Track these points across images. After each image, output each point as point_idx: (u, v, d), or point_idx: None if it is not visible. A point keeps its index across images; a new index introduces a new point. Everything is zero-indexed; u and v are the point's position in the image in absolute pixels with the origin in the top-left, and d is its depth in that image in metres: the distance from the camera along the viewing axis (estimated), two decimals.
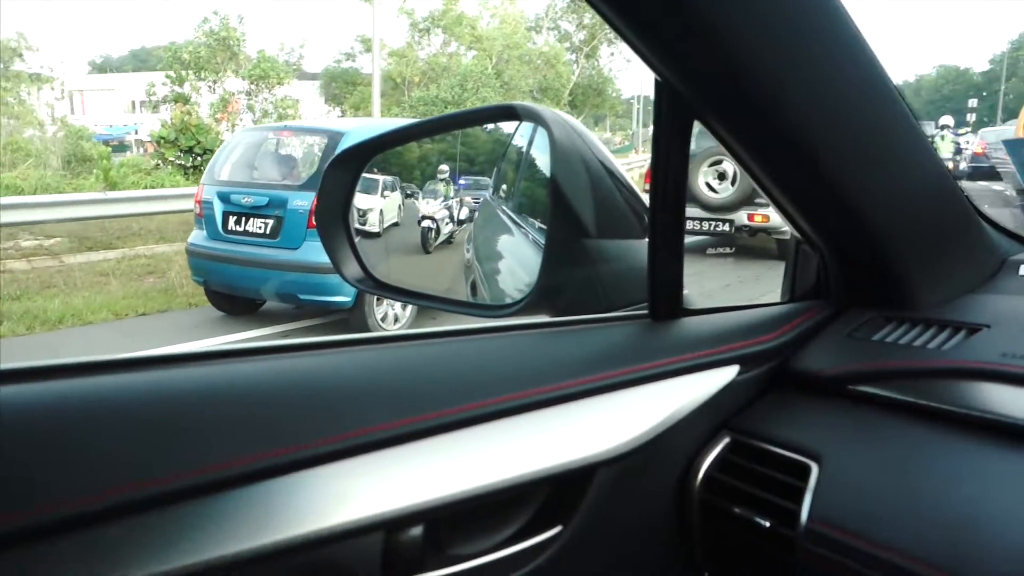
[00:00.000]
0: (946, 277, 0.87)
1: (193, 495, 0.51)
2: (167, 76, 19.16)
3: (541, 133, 1.06)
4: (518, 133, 1.21)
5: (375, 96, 18.15)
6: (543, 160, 1.08)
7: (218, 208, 5.89)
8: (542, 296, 0.93)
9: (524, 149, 1.17)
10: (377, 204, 1.27)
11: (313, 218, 5.28)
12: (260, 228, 5.69)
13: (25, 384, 0.52)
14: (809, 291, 0.95)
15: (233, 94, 19.75)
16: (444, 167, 1.34)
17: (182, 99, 18.66)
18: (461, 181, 1.28)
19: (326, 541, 0.56)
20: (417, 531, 0.62)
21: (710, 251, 8.00)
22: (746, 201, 7.42)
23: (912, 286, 0.85)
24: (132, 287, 7.64)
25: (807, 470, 0.71)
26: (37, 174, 13.87)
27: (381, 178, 1.24)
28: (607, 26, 0.68)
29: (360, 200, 1.11)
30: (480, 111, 1.30)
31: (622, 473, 0.72)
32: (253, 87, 19.87)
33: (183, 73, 18.92)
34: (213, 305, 6.43)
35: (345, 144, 5.49)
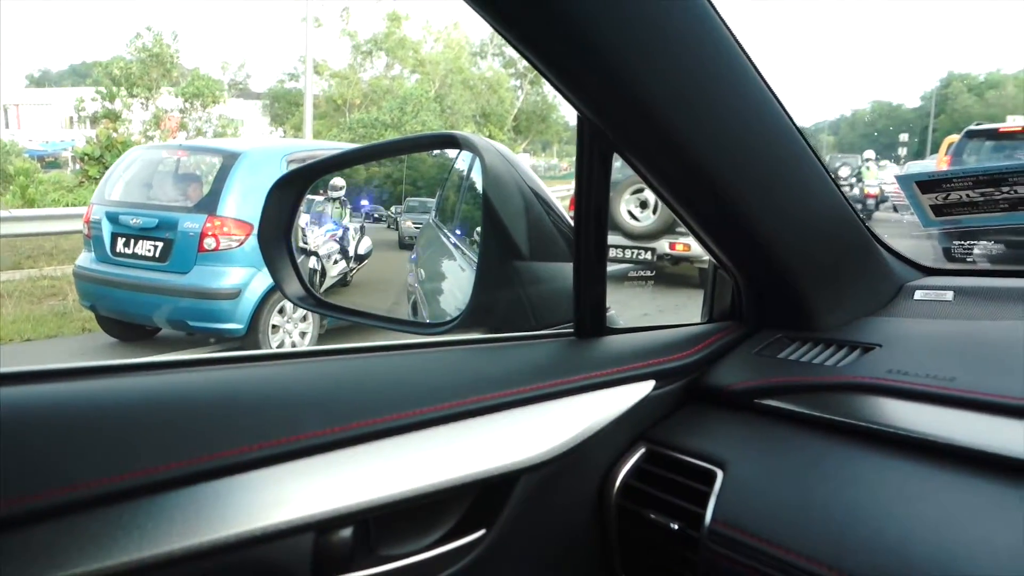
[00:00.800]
0: (845, 301, 0.95)
1: (129, 496, 0.55)
2: (97, 91, 18.70)
3: (478, 161, 1.13)
4: (459, 159, 1.28)
5: (307, 117, 18.12)
6: (477, 181, 1.16)
7: (107, 229, 5.69)
8: (474, 315, 0.98)
9: (464, 174, 1.24)
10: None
11: (204, 241, 5.21)
12: (149, 251, 5.53)
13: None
14: (725, 313, 1.02)
15: (166, 111, 19.38)
16: (339, 181, 1.34)
17: (112, 115, 18.23)
18: (406, 203, 1.34)
19: (258, 541, 0.59)
20: (347, 532, 0.66)
21: (631, 274, 8.17)
22: (667, 230, 7.51)
23: (814, 309, 0.93)
24: (27, 310, 7.29)
25: (713, 476, 0.76)
26: None
27: (316, 198, 1.29)
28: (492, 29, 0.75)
29: (303, 220, 1.16)
30: (421, 138, 1.37)
31: (544, 480, 0.77)
32: (187, 105, 19.54)
33: (114, 89, 18.50)
34: (104, 331, 6.19)
35: (241, 165, 5.49)
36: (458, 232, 1.26)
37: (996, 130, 10.30)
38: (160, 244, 5.45)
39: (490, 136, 23.49)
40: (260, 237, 1.12)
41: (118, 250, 5.60)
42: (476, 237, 1.17)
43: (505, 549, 0.76)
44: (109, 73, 19.10)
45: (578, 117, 0.80)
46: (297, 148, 6.55)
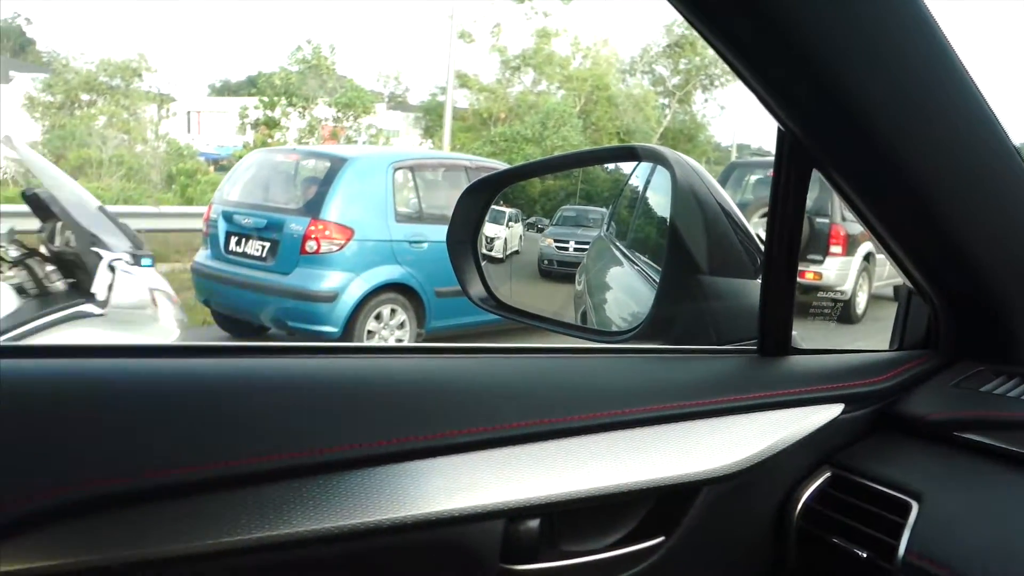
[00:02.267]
0: None
1: (344, 467, 0.61)
2: (260, 100, 20.24)
3: (659, 173, 1.17)
4: (635, 174, 1.33)
5: (446, 129, 18.79)
6: (658, 200, 1.19)
7: (222, 228, 6.02)
8: (654, 326, 1.02)
9: (641, 189, 1.28)
10: (503, 233, 1.41)
11: (306, 244, 5.44)
12: (257, 251, 5.80)
13: (167, 359, 0.63)
14: (919, 341, 0.99)
15: (320, 120, 20.66)
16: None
17: (271, 123, 19.66)
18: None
19: (455, 522, 0.64)
20: (534, 523, 0.70)
21: None
22: None
23: (1023, 341, 0.88)
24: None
25: (907, 507, 0.75)
26: (120, 185, 14.78)
27: (507, 210, 1.37)
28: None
29: (488, 229, 1.25)
30: (603, 151, 1.44)
31: (725, 493, 0.79)
32: (340, 114, 20.74)
33: (275, 98, 19.95)
34: (218, 325, 6.52)
35: (348, 171, 5.74)
36: (632, 246, 1.31)
37: None
38: (267, 244, 5.76)
39: None
40: (448, 239, 1.21)
41: (231, 248, 5.96)
42: (651, 251, 1.21)
43: (682, 558, 0.78)
44: (271, 83, 20.61)
45: (778, 131, 0.81)
46: (404, 156, 6.88)
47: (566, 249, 1.51)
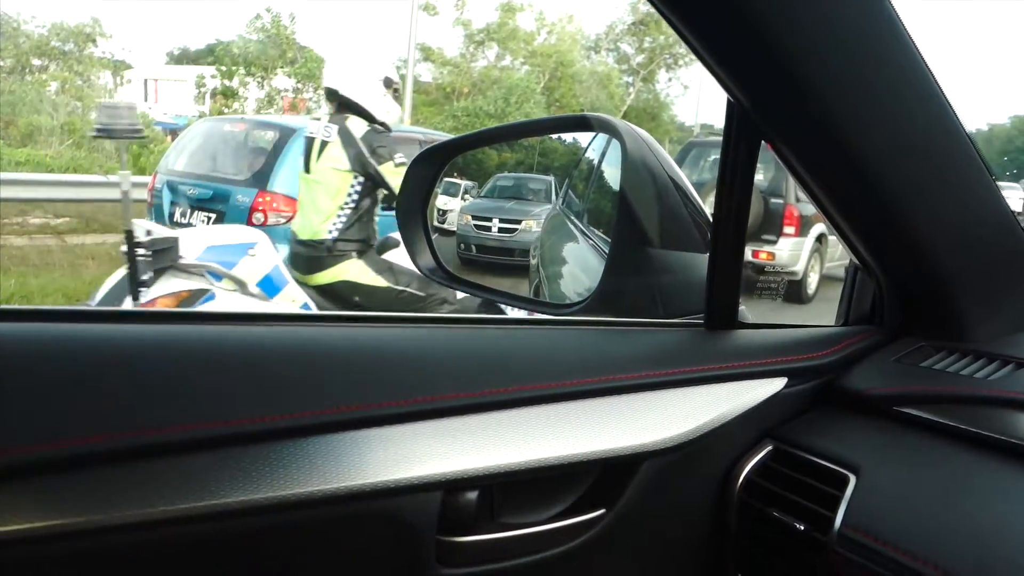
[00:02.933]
0: (1000, 312, 0.92)
1: (278, 437, 0.60)
2: (217, 69, 19.78)
3: (614, 146, 1.16)
4: (591, 147, 1.32)
5: (407, 102, 18.69)
6: (613, 173, 1.18)
7: (166, 198, 5.79)
8: (602, 299, 1.01)
9: (596, 161, 1.27)
10: (456, 205, 1.39)
11: (253, 215, 5.26)
12: (203, 222, 5.56)
13: (154, 325, 0.62)
14: (863, 316, 1.00)
15: (279, 91, 20.30)
16: None
17: (228, 92, 19.25)
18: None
19: (391, 493, 0.64)
20: (472, 495, 0.69)
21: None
22: (752, 237, 7.32)
23: (966, 318, 0.90)
24: (106, 272, 7.59)
25: (845, 480, 0.76)
26: (70, 153, 14.39)
27: (462, 182, 1.35)
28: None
29: (441, 201, 1.23)
30: (556, 120, 1.43)
31: (667, 467, 0.79)
32: (300, 85, 20.38)
33: (232, 68, 19.52)
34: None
35: (297, 141, 5.40)
36: (586, 219, 1.30)
37: None
38: (213, 216, 5.53)
39: None
40: (398, 209, 1.19)
41: (175, 220, 5.72)
42: (604, 225, 1.20)
43: (623, 531, 0.78)
44: (229, 52, 20.15)
45: (727, 102, 0.80)
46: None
47: (488, 229, 1.49)
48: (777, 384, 0.87)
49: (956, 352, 0.89)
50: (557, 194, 1.47)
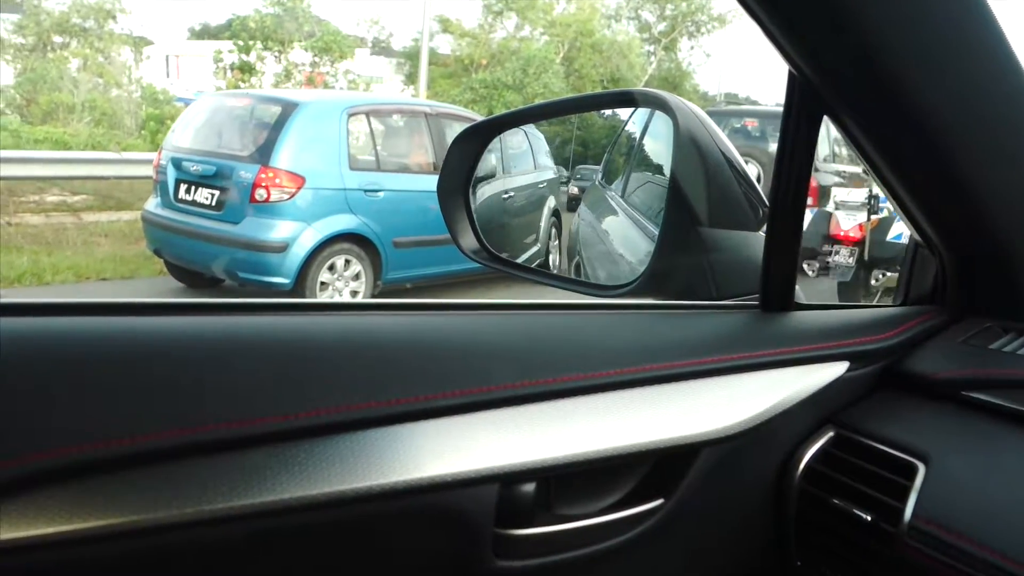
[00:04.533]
0: None
1: (328, 431, 0.59)
2: (234, 44, 19.77)
3: (658, 120, 1.13)
4: (631, 120, 1.29)
5: (422, 75, 18.60)
6: (655, 147, 1.16)
7: (171, 175, 5.85)
8: (652, 280, 0.99)
9: (638, 136, 1.24)
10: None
11: (256, 192, 5.27)
12: (207, 199, 5.64)
13: (178, 316, 0.61)
14: (924, 296, 0.97)
15: (296, 65, 20.27)
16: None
17: (246, 67, 19.23)
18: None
19: (448, 487, 0.63)
20: (529, 487, 0.69)
21: None
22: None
23: None
24: (118, 250, 7.64)
25: (913, 469, 0.74)
26: (88, 131, 14.47)
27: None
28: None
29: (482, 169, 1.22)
30: (601, 95, 1.40)
31: (725, 454, 0.78)
32: (317, 59, 20.33)
33: (249, 42, 19.49)
34: (173, 276, 6.42)
35: (299, 116, 5.56)
36: (628, 195, 1.28)
37: None
38: (217, 192, 5.59)
39: None
40: (440, 188, 1.17)
41: (180, 196, 5.81)
42: (648, 201, 1.18)
43: (681, 520, 0.77)
44: (246, 26, 20.11)
45: (788, 74, 0.78)
46: (359, 101, 6.71)
47: None
48: (839, 368, 0.85)
49: None
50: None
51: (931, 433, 0.79)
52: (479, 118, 8.22)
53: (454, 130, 7.33)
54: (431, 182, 6.74)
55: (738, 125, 10.10)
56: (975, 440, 0.77)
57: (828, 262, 6.83)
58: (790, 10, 0.69)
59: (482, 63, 22.58)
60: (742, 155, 1.02)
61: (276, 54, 19.94)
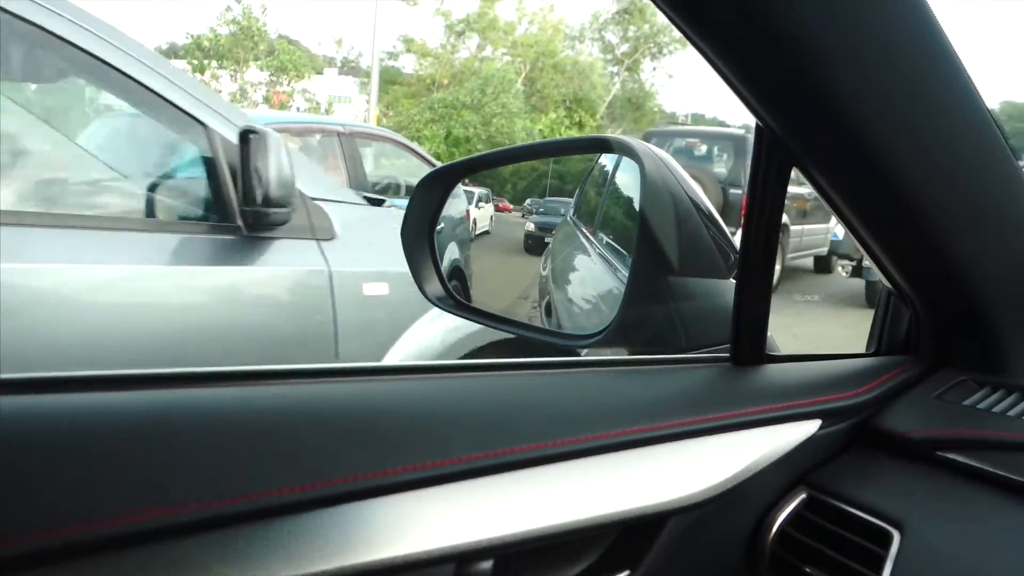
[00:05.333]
0: None
1: (272, 514, 0.56)
2: (188, 63, 19.59)
3: (627, 163, 1.13)
4: (604, 156, 1.29)
5: (373, 94, 18.67)
6: (627, 187, 1.15)
7: None
8: (622, 330, 0.97)
9: (609, 173, 1.24)
10: (472, 213, 1.36)
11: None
12: None
13: (127, 392, 0.58)
14: (898, 345, 0.97)
15: (252, 84, 20.17)
16: None
17: None
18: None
19: (399, 569, 0.59)
20: (487, 565, 0.66)
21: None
22: None
23: (1009, 350, 0.86)
24: None
25: (888, 537, 0.72)
26: None
27: (476, 190, 1.32)
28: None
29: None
30: (573, 141, 1.40)
31: (694, 522, 0.75)
32: (274, 78, 20.24)
33: (204, 61, 19.34)
34: None
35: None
36: (599, 233, 1.27)
37: None
38: None
39: (580, 121, 23.41)
40: (403, 234, 1.15)
41: None
42: (618, 242, 1.18)
43: None
44: (199, 45, 19.97)
45: (756, 129, 0.78)
46: (269, 120, 6.39)
47: None
48: (811, 427, 0.83)
49: (1002, 388, 0.85)
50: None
51: (906, 497, 0.77)
52: (398, 137, 8.22)
53: (372, 149, 7.19)
54: None
55: (681, 145, 10.19)
56: (951, 506, 0.75)
57: (862, 264, 7.29)
58: (751, 65, 0.69)
59: (444, 82, 22.67)
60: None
61: (232, 73, 19.81)
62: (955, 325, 0.90)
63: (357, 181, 6.38)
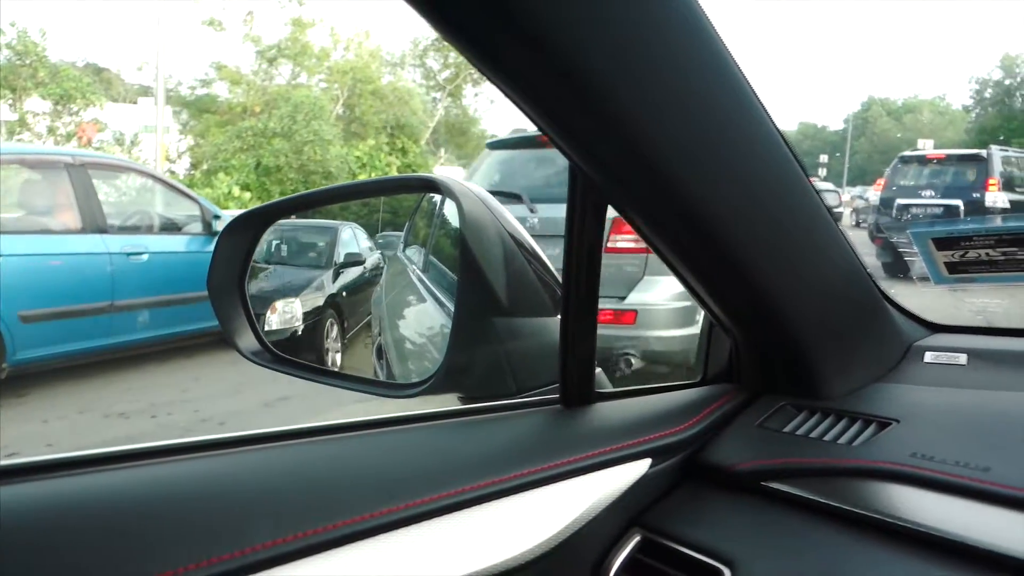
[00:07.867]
0: (855, 365, 0.95)
1: None
2: None
3: (449, 202, 1.13)
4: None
5: (158, 121, 17.94)
6: (455, 219, 1.16)
7: None
8: (448, 376, 0.97)
9: (437, 205, 1.23)
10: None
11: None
12: None
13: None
14: (721, 373, 1.02)
15: (34, 114, 18.57)
16: None
17: None
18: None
19: None
20: None
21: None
22: None
23: (822, 374, 0.92)
24: None
25: (719, 575, 0.74)
26: None
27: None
28: (471, 66, 0.70)
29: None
30: (391, 180, 1.38)
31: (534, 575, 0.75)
32: (58, 107, 18.72)
33: None
34: None
35: None
36: (431, 271, 1.26)
37: (924, 156, 13.05)
38: None
39: (403, 148, 23.40)
40: (209, 286, 1.08)
41: None
42: (448, 277, 1.17)
43: None
44: None
45: (570, 168, 0.79)
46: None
47: None
48: (642, 466, 0.85)
49: (817, 412, 0.90)
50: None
51: (734, 532, 0.80)
52: (135, 165, 7.82)
53: (105, 180, 6.84)
54: (77, 243, 5.87)
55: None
56: (778, 538, 0.79)
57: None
58: (551, 106, 0.69)
59: (256, 110, 21.91)
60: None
61: (10, 103, 18.14)
62: (772, 352, 0.95)
63: (91, 218, 6.01)
